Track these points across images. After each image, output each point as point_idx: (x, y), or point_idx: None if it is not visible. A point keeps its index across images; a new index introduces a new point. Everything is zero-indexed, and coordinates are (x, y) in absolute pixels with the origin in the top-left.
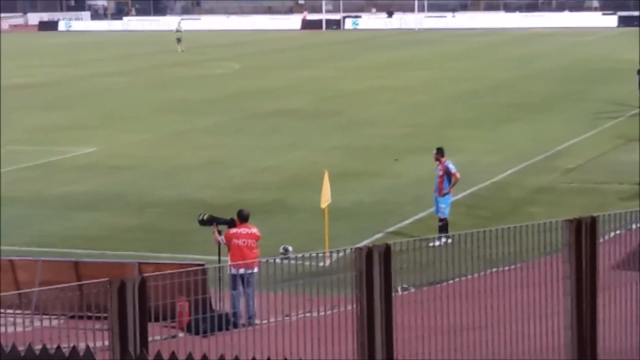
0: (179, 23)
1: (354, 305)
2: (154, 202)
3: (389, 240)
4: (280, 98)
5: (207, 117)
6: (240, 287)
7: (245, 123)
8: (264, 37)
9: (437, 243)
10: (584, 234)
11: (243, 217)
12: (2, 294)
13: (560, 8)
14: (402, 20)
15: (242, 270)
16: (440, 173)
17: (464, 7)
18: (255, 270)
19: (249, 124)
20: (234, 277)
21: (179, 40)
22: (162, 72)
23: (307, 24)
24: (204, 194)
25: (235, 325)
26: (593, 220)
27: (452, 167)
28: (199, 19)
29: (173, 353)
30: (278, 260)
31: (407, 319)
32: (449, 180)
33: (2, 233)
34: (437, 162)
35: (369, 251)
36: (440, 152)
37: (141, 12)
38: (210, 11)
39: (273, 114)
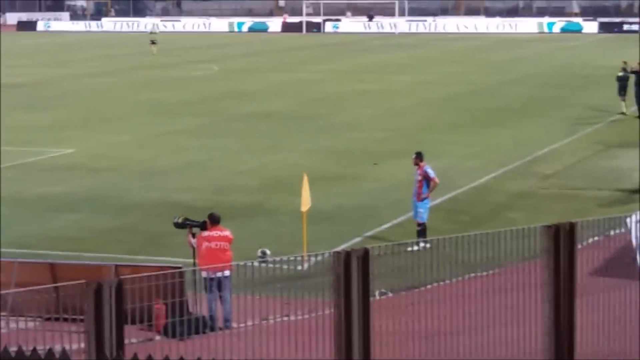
0: (154, 25)
1: (332, 309)
2: (133, 203)
3: (367, 244)
4: (260, 100)
5: (187, 119)
6: (216, 290)
7: (225, 125)
8: (244, 39)
9: (415, 248)
10: (562, 240)
11: (214, 220)
12: None
13: (540, 13)
14: (383, 24)
15: (218, 274)
16: (419, 178)
17: (444, 12)
18: (229, 273)
19: (228, 126)
20: (207, 281)
21: (153, 42)
22: (141, 74)
23: (287, 27)
24: (183, 196)
25: (212, 329)
26: (572, 227)
27: (431, 172)
28: (179, 20)
29: (150, 356)
30: (256, 264)
31: (385, 323)
32: (428, 185)
33: None
34: (416, 167)
35: (347, 255)
36: (419, 157)
37: (120, 13)
38: (190, 13)
39: (253, 117)
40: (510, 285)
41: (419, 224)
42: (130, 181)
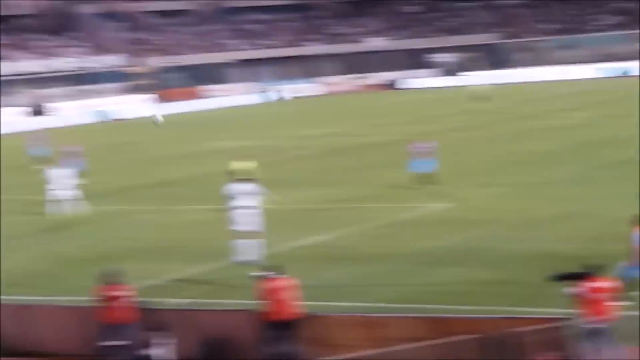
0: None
1: None
2: (511, 255)
3: None
4: (630, 146)
5: (558, 168)
6: (596, 342)
7: (598, 172)
8: (609, 85)
9: None
10: None
11: (590, 272)
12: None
13: None
14: None
15: (598, 324)
16: None
17: None
18: (607, 325)
19: (601, 173)
20: (587, 331)
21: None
22: (506, 125)
23: None
24: (559, 246)
25: None
26: None
27: None
28: (533, 70)
29: None
30: None
31: None
32: None
33: (365, 289)
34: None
35: None
36: None
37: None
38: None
39: (625, 163)
40: None
41: None
42: (507, 233)
